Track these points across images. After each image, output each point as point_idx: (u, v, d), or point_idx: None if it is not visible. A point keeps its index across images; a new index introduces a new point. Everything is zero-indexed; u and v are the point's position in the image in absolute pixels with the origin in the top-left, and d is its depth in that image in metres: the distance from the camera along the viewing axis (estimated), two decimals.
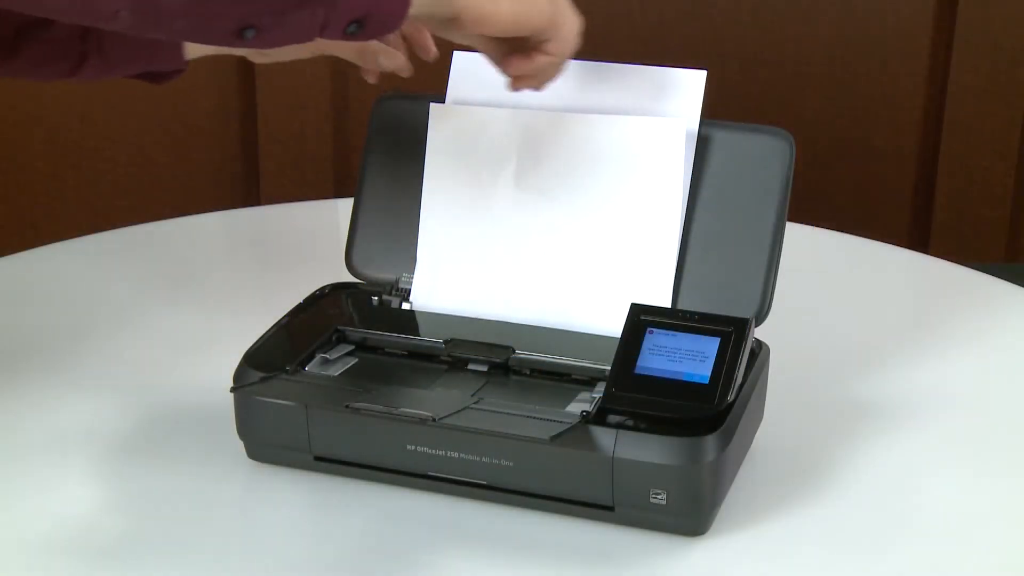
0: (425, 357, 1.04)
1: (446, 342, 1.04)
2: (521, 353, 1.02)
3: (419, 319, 1.08)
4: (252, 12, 0.83)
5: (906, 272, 1.45)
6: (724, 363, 0.94)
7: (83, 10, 0.82)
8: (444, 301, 1.08)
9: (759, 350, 1.01)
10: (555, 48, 0.99)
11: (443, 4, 0.93)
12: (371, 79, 1.16)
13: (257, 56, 1.12)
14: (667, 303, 1.03)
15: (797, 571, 0.92)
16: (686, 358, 0.95)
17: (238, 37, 0.84)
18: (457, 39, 0.99)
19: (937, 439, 1.08)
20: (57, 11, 0.83)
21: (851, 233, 1.50)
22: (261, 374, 0.99)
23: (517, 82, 1.01)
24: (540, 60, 0.99)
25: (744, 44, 2.27)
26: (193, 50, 1.11)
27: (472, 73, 1.09)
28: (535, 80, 1.01)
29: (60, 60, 1.10)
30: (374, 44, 1.08)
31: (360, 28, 0.87)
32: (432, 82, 1.13)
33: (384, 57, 1.09)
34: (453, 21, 0.94)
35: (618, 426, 0.92)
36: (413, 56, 1.16)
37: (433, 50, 1.13)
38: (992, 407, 1.13)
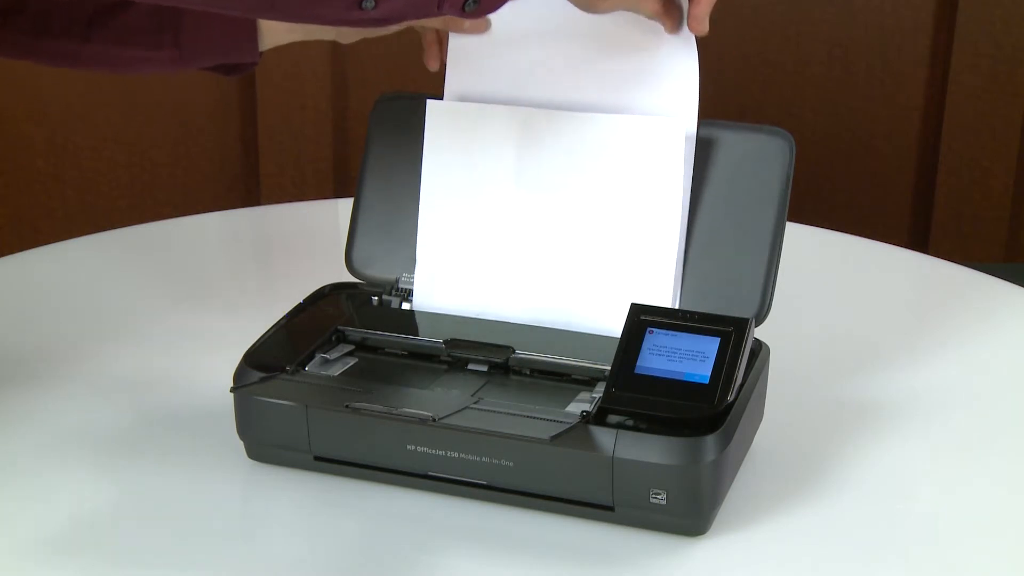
0: (425, 357, 1.04)
1: (446, 342, 1.04)
2: (521, 353, 1.02)
3: (419, 319, 1.08)
4: None
5: (906, 272, 1.45)
6: (724, 363, 0.94)
7: None
8: (445, 301, 1.08)
9: (759, 350, 1.01)
10: None
11: None
12: (434, 65, 1.11)
13: (345, 37, 1.10)
14: (668, 303, 1.03)
15: (797, 571, 0.92)
16: (686, 358, 0.95)
17: (357, 8, 0.85)
18: (603, 8, 0.97)
19: (937, 439, 1.08)
20: None
21: (851, 233, 1.50)
22: (261, 374, 0.99)
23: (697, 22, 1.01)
24: None
25: (744, 44, 2.27)
26: (269, 41, 1.10)
27: (470, 61, 1.09)
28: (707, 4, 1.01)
29: (133, 47, 1.08)
30: None
31: (477, 4, 0.88)
32: (433, 82, 1.13)
33: (470, 23, 1.05)
34: None
35: (618, 426, 0.92)
36: (416, 59, 1.15)
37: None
38: (992, 407, 1.13)
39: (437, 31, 1.10)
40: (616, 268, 1.05)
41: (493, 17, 0.95)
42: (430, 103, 1.09)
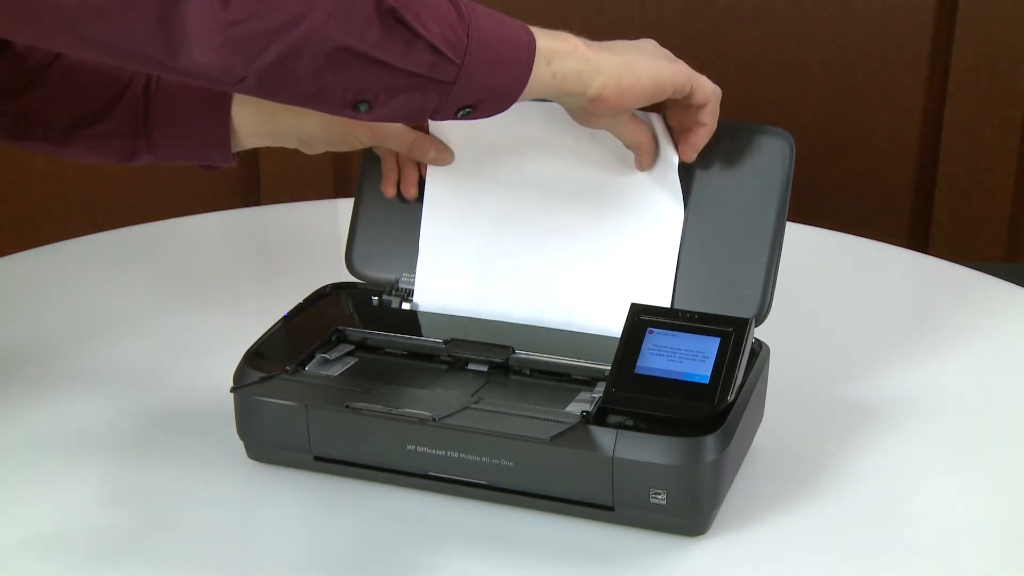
0: (425, 357, 1.04)
1: (446, 342, 1.04)
2: (521, 353, 1.02)
3: (419, 319, 1.08)
4: (370, 88, 0.87)
5: (906, 272, 1.45)
6: (724, 363, 0.94)
7: (209, 78, 0.85)
8: (445, 300, 1.08)
9: (759, 350, 1.01)
10: (703, 96, 0.99)
11: (576, 84, 0.93)
12: (391, 192, 1.12)
13: (308, 148, 1.13)
14: (666, 303, 1.03)
15: (797, 571, 0.92)
16: (686, 358, 0.95)
17: (353, 109, 0.89)
18: (594, 126, 0.99)
19: (937, 439, 1.08)
20: (185, 74, 0.85)
21: (851, 233, 1.50)
22: (261, 374, 0.99)
23: (691, 150, 1.02)
24: (706, 121, 1.00)
25: (744, 44, 2.27)
26: (242, 143, 1.13)
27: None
28: (704, 136, 1.02)
29: (109, 153, 1.12)
30: (428, 137, 1.09)
31: (473, 111, 0.91)
32: None
33: (435, 151, 1.09)
34: (593, 102, 0.94)
35: (618, 426, 0.92)
36: None
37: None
38: (992, 407, 1.13)
39: (397, 157, 1.11)
40: (616, 267, 1.05)
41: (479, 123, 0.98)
42: None
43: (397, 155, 1.11)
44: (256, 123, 1.11)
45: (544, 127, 1.07)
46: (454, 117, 0.91)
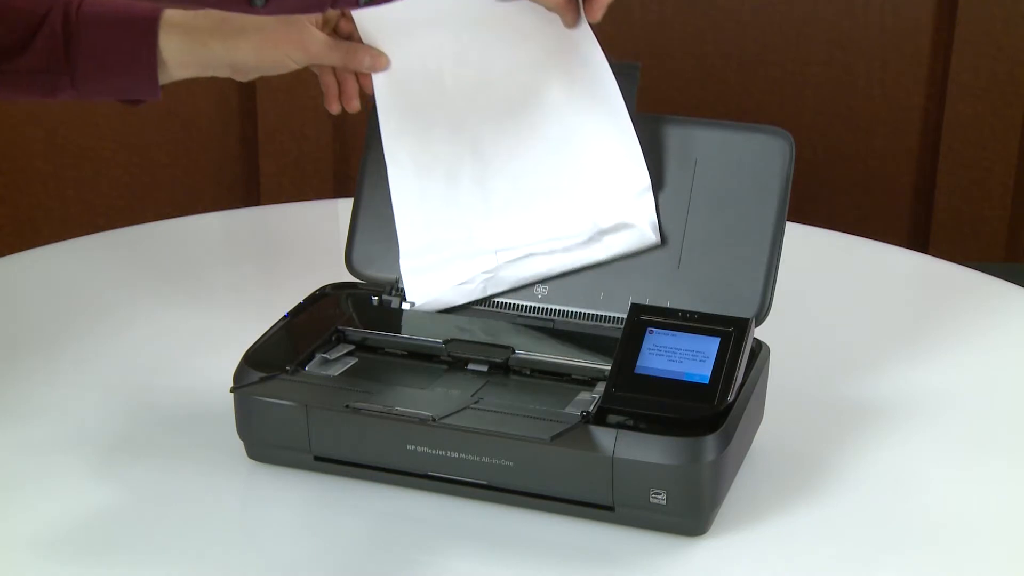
0: (425, 357, 1.04)
1: (446, 342, 1.04)
2: (521, 353, 1.02)
3: (419, 319, 1.08)
4: None
5: (906, 272, 1.45)
6: (724, 363, 0.94)
7: None
8: (433, 287, 1.08)
9: (759, 350, 1.01)
10: None
11: None
12: (335, 108, 1.13)
13: (241, 75, 1.11)
14: (644, 181, 1.04)
15: (797, 571, 0.92)
16: (686, 358, 0.95)
17: (248, 3, 0.86)
18: None
19: (937, 439, 1.08)
20: None
21: (851, 233, 1.50)
22: (261, 374, 0.99)
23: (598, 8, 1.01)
24: None
25: (744, 44, 2.27)
26: (171, 75, 1.10)
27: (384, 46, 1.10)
28: None
29: (31, 90, 1.10)
30: (360, 46, 1.08)
31: None
32: None
33: (370, 58, 1.08)
34: None
35: (618, 426, 0.92)
36: None
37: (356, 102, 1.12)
38: (992, 407, 1.13)
39: (335, 72, 1.11)
40: (585, 188, 1.06)
41: (400, 8, 0.96)
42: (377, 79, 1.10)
43: (334, 71, 1.11)
44: (185, 53, 1.09)
45: (470, 10, 1.06)
46: (356, 5, 0.90)
